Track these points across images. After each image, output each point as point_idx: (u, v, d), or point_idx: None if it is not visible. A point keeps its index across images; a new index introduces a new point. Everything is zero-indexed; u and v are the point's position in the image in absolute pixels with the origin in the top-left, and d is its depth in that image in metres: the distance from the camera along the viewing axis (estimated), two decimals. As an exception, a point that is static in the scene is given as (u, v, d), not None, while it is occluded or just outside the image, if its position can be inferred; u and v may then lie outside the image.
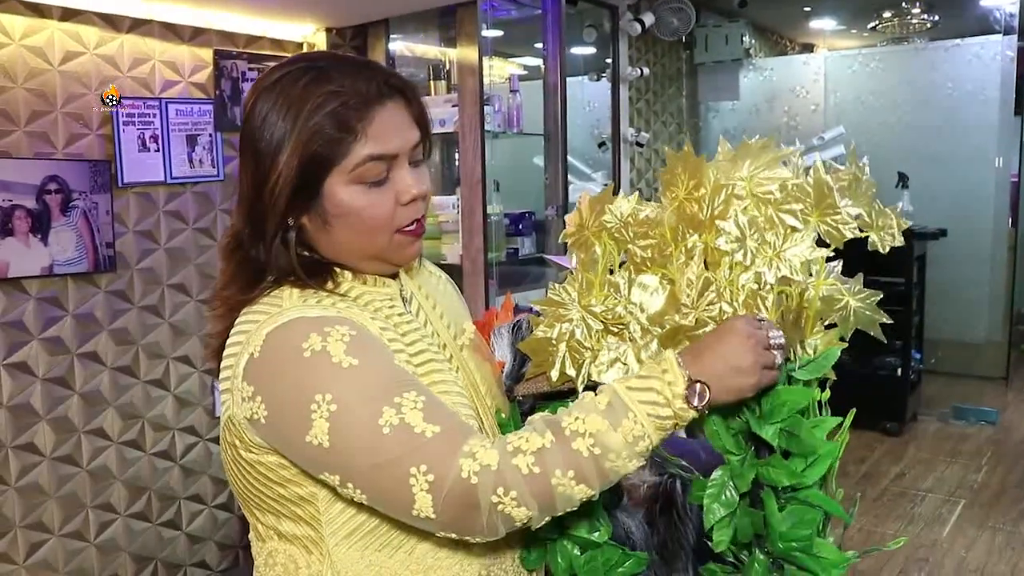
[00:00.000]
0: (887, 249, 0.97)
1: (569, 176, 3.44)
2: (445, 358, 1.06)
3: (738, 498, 0.93)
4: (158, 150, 2.67)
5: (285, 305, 0.96)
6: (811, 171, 0.96)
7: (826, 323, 0.99)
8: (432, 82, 3.01)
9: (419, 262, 1.17)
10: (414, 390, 0.89)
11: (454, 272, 2.84)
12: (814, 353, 0.96)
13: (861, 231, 0.96)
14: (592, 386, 0.98)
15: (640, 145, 4.08)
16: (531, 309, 1.10)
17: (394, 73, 1.03)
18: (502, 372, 1.10)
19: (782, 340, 0.91)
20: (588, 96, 4.46)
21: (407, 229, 1.01)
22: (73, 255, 2.48)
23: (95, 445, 2.56)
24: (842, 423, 0.94)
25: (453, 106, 2.85)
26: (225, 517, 2.89)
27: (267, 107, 0.97)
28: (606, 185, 1.22)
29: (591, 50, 4.28)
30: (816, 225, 0.95)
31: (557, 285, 1.00)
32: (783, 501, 0.93)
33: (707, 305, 0.94)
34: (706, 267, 0.97)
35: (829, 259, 0.97)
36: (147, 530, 2.70)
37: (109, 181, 2.55)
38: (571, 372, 1.00)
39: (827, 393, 0.96)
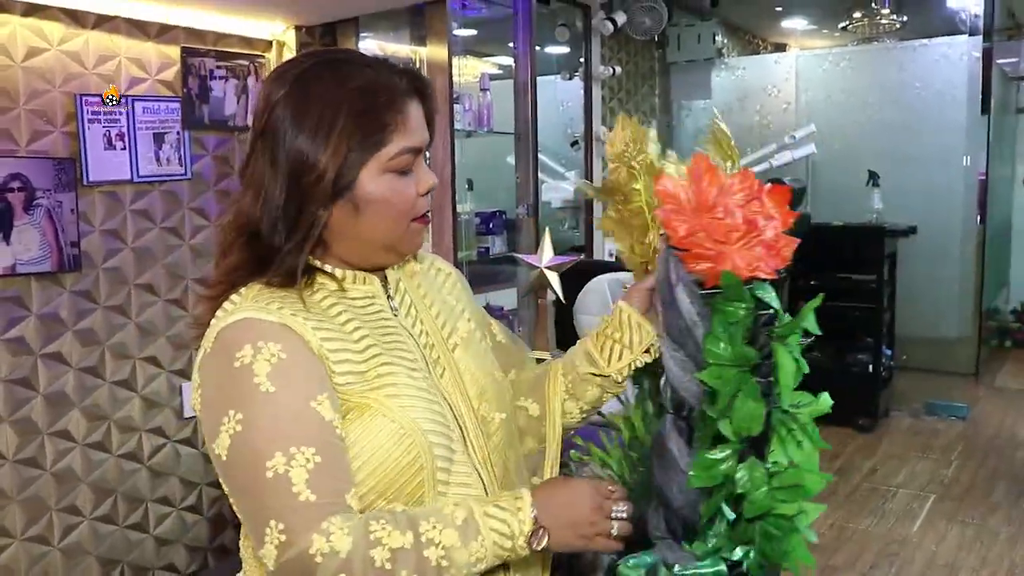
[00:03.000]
0: None
1: (542, 174, 3.44)
2: (430, 359, 1.08)
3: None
4: (124, 148, 2.64)
5: (240, 304, 0.99)
6: None
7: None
8: (402, 80, 2.99)
9: (428, 261, 1.21)
10: (313, 446, 0.92)
11: (425, 270, 2.83)
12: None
13: None
14: None
15: (613, 144, 4.07)
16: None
17: (419, 73, 1.08)
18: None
19: (624, 514, 1.01)
20: (561, 95, 4.47)
21: (420, 218, 1.07)
22: (37, 254, 2.44)
23: (59, 447, 2.53)
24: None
25: (423, 104, 2.84)
26: (194, 519, 2.86)
27: (297, 103, 0.99)
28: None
29: (565, 49, 4.29)
30: None
31: None
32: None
33: None
34: None
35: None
36: (114, 533, 2.66)
37: (74, 179, 2.51)
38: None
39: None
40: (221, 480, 0.98)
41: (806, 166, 5.44)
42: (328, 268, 1.05)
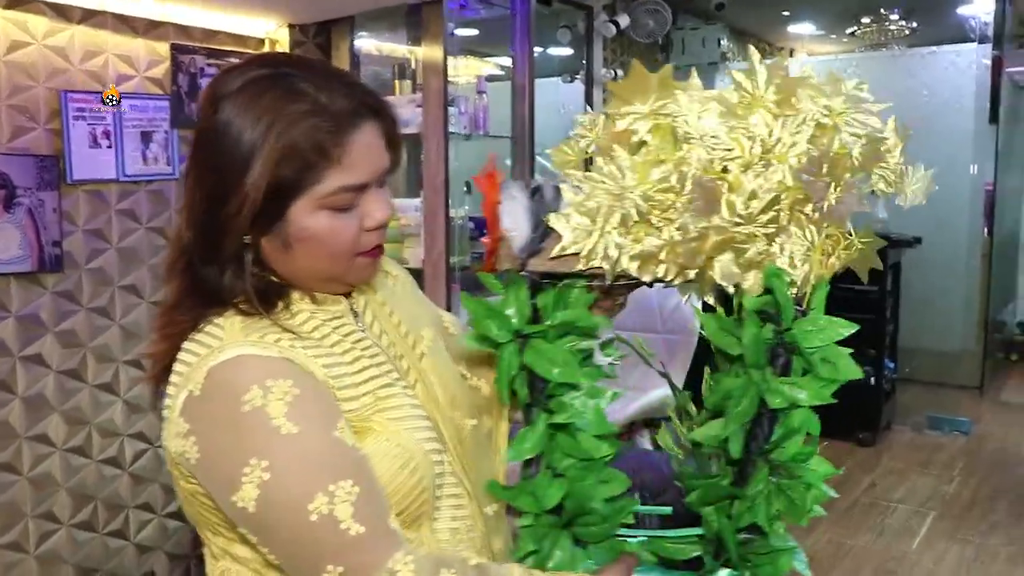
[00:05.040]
0: (907, 204, 0.94)
1: (540, 178, 3.36)
2: (402, 371, 1.03)
3: (756, 409, 0.89)
4: (110, 146, 2.58)
5: (226, 339, 0.91)
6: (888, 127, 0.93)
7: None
8: (397, 81, 2.93)
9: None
10: (350, 478, 0.87)
11: (415, 277, 2.77)
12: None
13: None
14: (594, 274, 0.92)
15: (613, 148, 4.01)
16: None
17: (370, 91, 0.97)
18: (510, 244, 0.98)
19: None
20: (562, 98, 4.40)
21: (369, 251, 0.98)
22: (17, 254, 2.39)
23: (37, 452, 2.47)
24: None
25: (417, 107, 2.78)
26: (176, 526, 2.80)
27: (230, 116, 0.90)
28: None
29: (568, 51, 4.23)
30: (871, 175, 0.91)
31: (600, 160, 0.92)
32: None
33: (767, 222, 0.87)
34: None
35: None
36: (92, 540, 2.60)
37: (57, 177, 2.45)
38: (604, 262, 0.92)
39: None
40: (246, 531, 0.90)
41: (810, 174, 5.35)
42: (301, 287, 0.99)
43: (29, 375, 2.44)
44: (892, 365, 4.86)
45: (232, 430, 0.87)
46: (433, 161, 2.72)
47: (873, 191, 0.93)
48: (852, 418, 4.46)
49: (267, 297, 0.95)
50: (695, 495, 0.95)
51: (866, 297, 4.54)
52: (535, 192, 0.96)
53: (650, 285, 0.96)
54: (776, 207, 0.86)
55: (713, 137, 0.87)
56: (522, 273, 0.96)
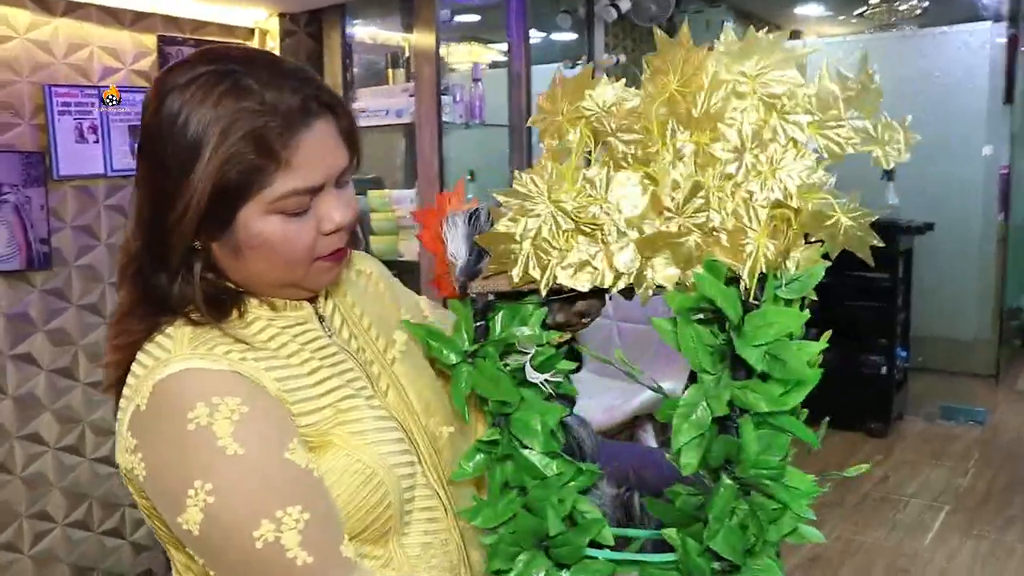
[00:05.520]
0: (890, 165, 0.83)
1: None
2: (372, 377, 0.98)
3: (710, 420, 0.82)
4: (97, 141, 2.54)
5: (174, 351, 0.86)
6: (816, 77, 0.82)
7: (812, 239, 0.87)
8: (390, 70, 2.87)
9: (350, 264, 1.07)
10: (299, 503, 0.83)
11: (412, 270, 2.71)
12: (796, 268, 0.83)
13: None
14: (557, 289, 0.88)
15: (617, 136, 3.93)
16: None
17: (324, 87, 0.91)
18: (455, 269, 0.96)
19: None
20: (565, 85, 4.32)
21: (327, 256, 0.92)
22: (4, 252, 2.35)
23: (30, 451, 2.44)
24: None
25: (411, 96, 2.72)
26: (171, 525, 2.77)
27: (174, 114, 0.84)
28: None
29: (571, 36, 4.15)
30: (814, 138, 0.82)
31: (523, 175, 0.88)
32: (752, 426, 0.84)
33: (694, 212, 0.81)
34: (696, 169, 0.83)
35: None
36: (88, 539, 2.58)
37: (43, 174, 2.42)
38: (535, 273, 0.88)
39: (808, 314, 0.84)
40: (192, 551, 0.86)
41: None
42: (258, 293, 0.93)
43: (20, 374, 2.41)
44: (904, 354, 4.76)
45: (177, 449, 0.83)
46: (427, 152, 2.66)
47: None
48: (863, 408, 4.38)
49: (221, 305, 0.90)
50: (664, 516, 0.89)
51: (877, 284, 4.45)
52: (473, 217, 0.94)
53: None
54: (700, 193, 0.80)
55: (627, 131, 0.81)
56: (471, 296, 0.93)
